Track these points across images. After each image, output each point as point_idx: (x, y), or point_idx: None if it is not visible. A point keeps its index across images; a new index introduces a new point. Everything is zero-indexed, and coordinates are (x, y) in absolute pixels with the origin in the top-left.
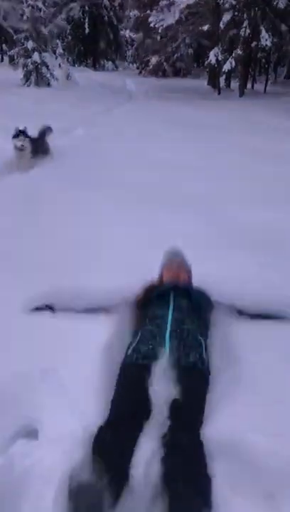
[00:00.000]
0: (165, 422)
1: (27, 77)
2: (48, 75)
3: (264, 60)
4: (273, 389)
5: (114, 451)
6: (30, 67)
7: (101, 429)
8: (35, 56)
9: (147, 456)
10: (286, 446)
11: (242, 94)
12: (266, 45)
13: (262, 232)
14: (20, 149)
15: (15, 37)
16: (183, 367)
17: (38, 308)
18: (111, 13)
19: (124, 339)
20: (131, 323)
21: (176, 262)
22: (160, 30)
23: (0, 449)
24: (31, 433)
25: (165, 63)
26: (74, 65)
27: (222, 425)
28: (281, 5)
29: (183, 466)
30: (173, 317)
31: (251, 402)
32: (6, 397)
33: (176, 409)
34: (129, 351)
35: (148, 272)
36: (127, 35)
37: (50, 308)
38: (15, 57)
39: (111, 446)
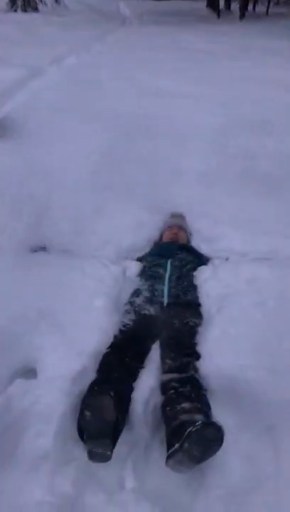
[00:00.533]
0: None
1: (13, 2)
2: None
3: None
4: (269, 326)
5: (119, 371)
6: None
7: (106, 354)
8: None
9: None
10: (284, 381)
11: (242, 16)
12: None
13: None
14: None
15: None
16: (180, 303)
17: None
18: None
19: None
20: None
21: (177, 224)
22: None
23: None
24: (30, 372)
25: None
26: None
27: (221, 362)
28: None
29: (181, 394)
30: (172, 264)
31: (249, 339)
32: (4, 338)
33: (170, 339)
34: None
35: None
36: None
37: (43, 248)
38: None
39: (116, 366)
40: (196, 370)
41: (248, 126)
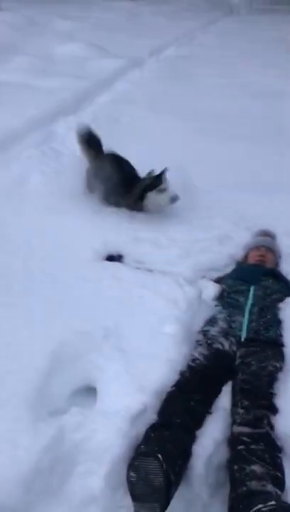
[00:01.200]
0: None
1: None
2: None
3: None
4: None
5: (182, 416)
6: None
7: (170, 394)
8: None
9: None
10: None
11: None
12: None
13: None
14: None
15: None
16: (261, 341)
17: (110, 258)
18: None
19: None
20: None
21: (266, 244)
22: None
23: (55, 412)
24: (89, 393)
25: None
26: None
27: None
28: None
29: (253, 452)
30: (255, 293)
31: None
32: (67, 353)
33: (245, 384)
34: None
35: None
36: None
37: (119, 257)
38: None
39: (180, 410)
40: (272, 426)
41: None
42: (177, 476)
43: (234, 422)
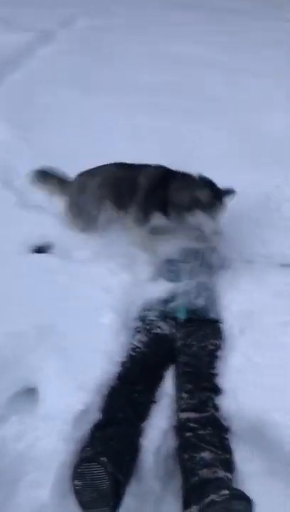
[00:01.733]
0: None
1: None
2: None
3: None
4: None
5: (126, 410)
6: None
7: (112, 389)
8: None
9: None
10: None
11: None
12: None
13: None
14: None
15: None
16: (200, 320)
17: (38, 250)
18: None
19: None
20: None
21: None
22: None
23: None
24: (29, 395)
25: None
26: None
27: (245, 400)
28: None
29: (201, 438)
30: (190, 271)
31: (276, 370)
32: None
33: (187, 367)
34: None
35: None
36: None
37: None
38: None
39: (124, 404)
40: (217, 408)
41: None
42: (125, 474)
43: (179, 408)
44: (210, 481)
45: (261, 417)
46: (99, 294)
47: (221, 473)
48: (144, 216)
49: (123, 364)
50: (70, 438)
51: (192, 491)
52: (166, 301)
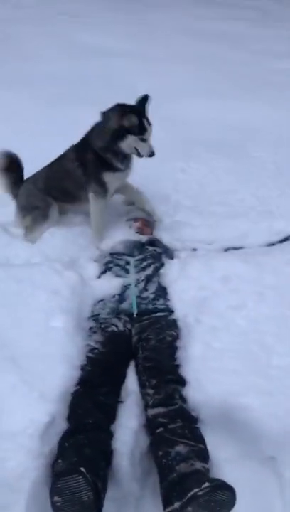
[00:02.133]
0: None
1: None
2: None
3: None
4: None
5: (94, 415)
6: None
7: (75, 394)
8: None
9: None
10: (279, 406)
11: None
12: None
13: None
14: None
15: None
16: (152, 312)
17: None
18: None
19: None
20: None
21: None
22: None
23: None
24: None
25: None
26: None
27: (210, 387)
28: None
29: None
30: (136, 266)
31: (235, 354)
32: None
33: (148, 362)
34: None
35: None
36: None
37: None
38: None
39: (90, 408)
40: (184, 399)
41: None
42: (103, 480)
43: (147, 405)
44: (188, 475)
45: (228, 402)
46: (47, 297)
47: (198, 465)
48: (99, 186)
49: (83, 367)
50: (39, 454)
51: (172, 488)
52: (116, 297)
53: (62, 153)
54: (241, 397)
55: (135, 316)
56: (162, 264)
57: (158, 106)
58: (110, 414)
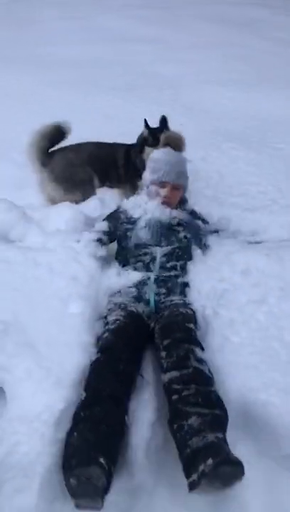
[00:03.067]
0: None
1: None
2: None
3: None
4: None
5: (112, 385)
6: None
7: (95, 363)
8: None
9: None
10: None
11: None
12: None
13: None
14: None
15: None
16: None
17: None
18: None
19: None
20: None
21: (170, 178)
22: None
23: None
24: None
25: None
26: None
27: (229, 382)
28: None
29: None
30: (161, 260)
31: (255, 349)
32: None
33: (163, 328)
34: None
35: None
36: None
37: None
38: None
39: (109, 378)
40: (199, 360)
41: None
42: (114, 460)
43: (161, 369)
44: (200, 449)
45: (247, 397)
46: (66, 284)
47: (211, 437)
48: (133, 188)
49: (102, 338)
50: (54, 440)
51: (188, 463)
52: (134, 292)
53: (113, 142)
54: (259, 392)
55: (153, 310)
56: (190, 257)
57: (180, 94)
58: (128, 384)
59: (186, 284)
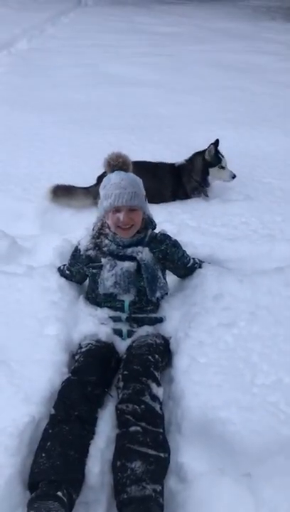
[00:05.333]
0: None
1: None
2: None
3: None
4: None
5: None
6: None
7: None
8: None
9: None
10: (259, 422)
11: None
12: None
13: None
14: None
15: None
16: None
17: None
18: None
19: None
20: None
21: (125, 202)
22: None
23: None
24: None
25: None
26: None
27: (193, 400)
28: None
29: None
30: (130, 307)
31: (220, 370)
32: None
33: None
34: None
35: None
36: None
37: None
38: None
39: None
40: (154, 397)
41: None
42: (77, 488)
43: (117, 397)
44: (136, 500)
45: (208, 415)
46: (45, 306)
47: (149, 490)
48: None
49: (74, 359)
50: (16, 451)
51: (122, 508)
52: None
53: (157, 162)
54: (220, 410)
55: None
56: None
57: (175, 133)
58: (95, 405)
59: (160, 319)
